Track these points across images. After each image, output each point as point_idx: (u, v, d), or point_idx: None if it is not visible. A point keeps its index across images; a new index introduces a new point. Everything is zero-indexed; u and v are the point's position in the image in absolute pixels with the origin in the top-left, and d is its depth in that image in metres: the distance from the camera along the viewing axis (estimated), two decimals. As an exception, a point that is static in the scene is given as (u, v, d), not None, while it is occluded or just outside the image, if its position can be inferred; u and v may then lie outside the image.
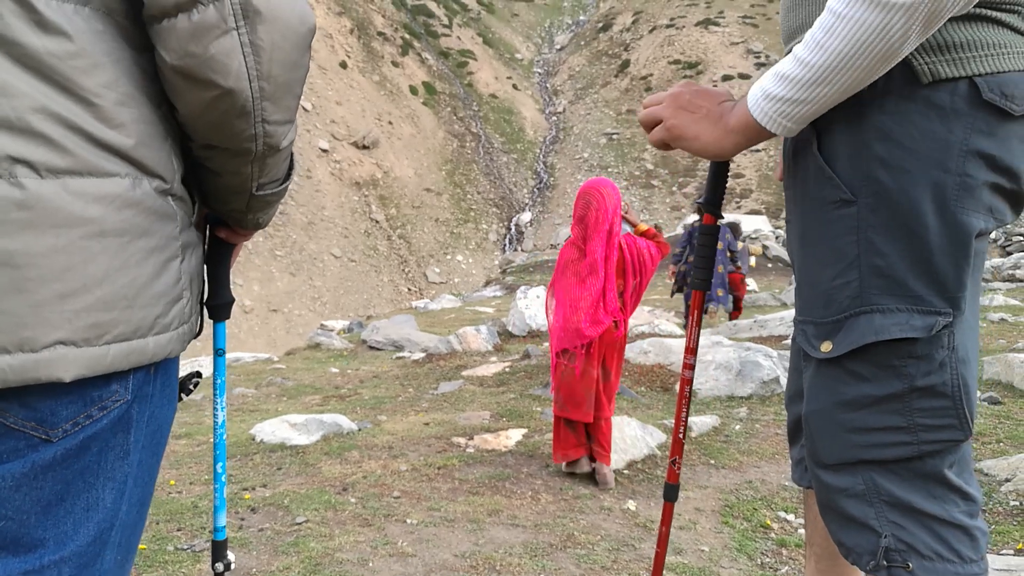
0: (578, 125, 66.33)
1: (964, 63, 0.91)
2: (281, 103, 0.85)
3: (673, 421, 4.05)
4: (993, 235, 17.57)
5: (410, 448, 3.59)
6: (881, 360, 0.95)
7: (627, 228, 3.29)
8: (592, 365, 3.08)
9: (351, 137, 53.05)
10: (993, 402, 3.96)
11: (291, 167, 1.01)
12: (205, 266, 1.06)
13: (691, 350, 1.37)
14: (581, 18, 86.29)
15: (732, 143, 1.02)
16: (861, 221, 0.95)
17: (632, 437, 3.32)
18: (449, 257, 50.06)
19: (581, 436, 3.10)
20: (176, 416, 3.85)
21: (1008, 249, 16.21)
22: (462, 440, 3.72)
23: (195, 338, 1.06)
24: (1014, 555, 2.25)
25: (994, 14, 0.93)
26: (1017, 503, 2.69)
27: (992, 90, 0.91)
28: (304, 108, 52.19)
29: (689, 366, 1.38)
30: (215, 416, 1.26)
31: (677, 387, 4.49)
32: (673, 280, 8.23)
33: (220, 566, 1.35)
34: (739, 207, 49.14)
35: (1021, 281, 11.65)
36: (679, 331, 6.42)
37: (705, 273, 1.34)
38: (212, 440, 3.84)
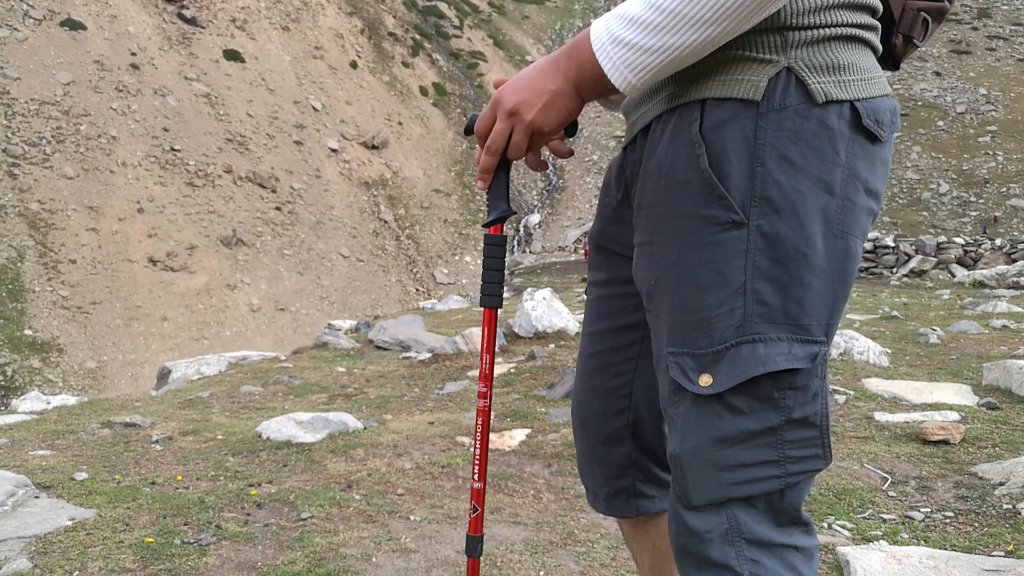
0: (587, 127, 66.31)
1: (848, 86, 0.91)
2: None
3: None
4: (998, 242, 17.54)
5: (415, 447, 3.65)
6: (761, 392, 0.91)
7: None
8: None
9: (360, 137, 53.25)
10: (991, 407, 3.99)
11: None
12: None
13: (486, 376, 1.18)
14: (592, 21, 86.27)
15: (575, 91, 0.95)
16: (751, 245, 0.89)
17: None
18: (457, 258, 50.21)
19: None
20: (182, 414, 3.93)
21: (1013, 256, 16.18)
22: (466, 440, 3.77)
23: None
24: (1004, 556, 2.29)
25: (865, 35, 0.95)
26: (1010, 506, 2.73)
27: (869, 116, 0.92)
28: (314, 108, 52.44)
29: (483, 395, 1.19)
30: None
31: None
32: None
33: None
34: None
35: (1026, 288, 11.67)
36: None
37: (497, 288, 1.15)
38: (218, 436, 3.91)
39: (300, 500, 2.89)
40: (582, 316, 8.91)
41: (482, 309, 1.20)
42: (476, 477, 1.21)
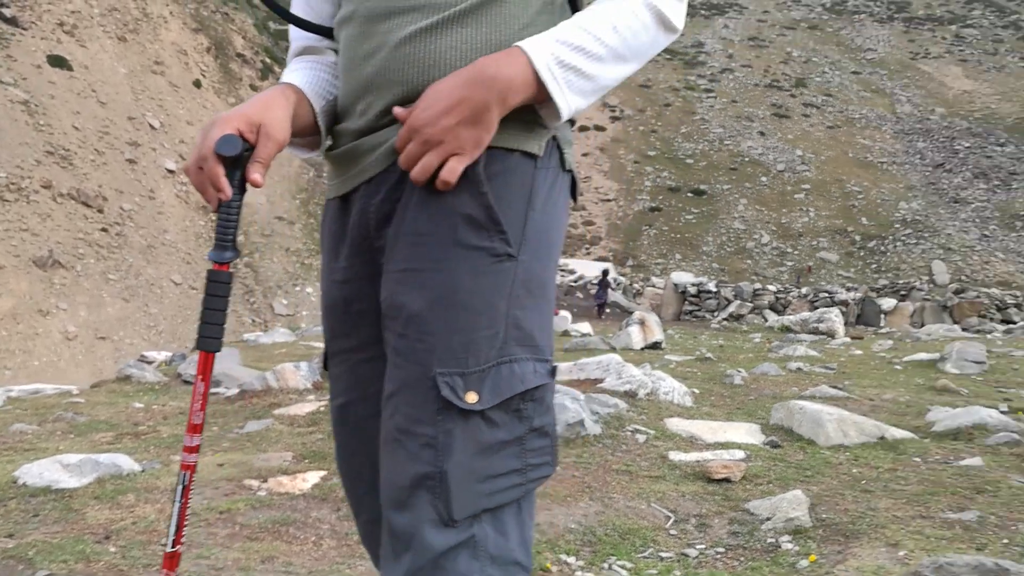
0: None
1: (571, 160, 1.13)
2: None
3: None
4: (804, 290, 19.23)
5: (195, 491, 3.37)
6: (511, 406, 1.01)
7: None
8: None
9: (201, 159, 50.68)
10: (774, 445, 4.25)
11: None
12: None
13: (196, 428, 1.10)
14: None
15: (500, 111, 0.99)
16: (516, 276, 1.02)
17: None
18: (298, 289, 48.58)
19: None
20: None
21: (815, 304, 17.77)
22: (255, 482, 3.55)
23: None
24: (755, 594, 2.40)
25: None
26: (773, 540, 2.88)
27: (577, 183, 1.15)
28: (151, 125, 49.47)
29: (191, 449, 1.10)
30: None
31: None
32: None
33: None
34: (588, 253, 51.04)
35: (823, 334, 12.81)
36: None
37: (219, 330, 1.08)
38: None
39: (41, 555, 2.58)
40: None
41: (200, 352, 1.09)
42: (172, 542, 1.10)
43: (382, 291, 1.08)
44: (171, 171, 48.31)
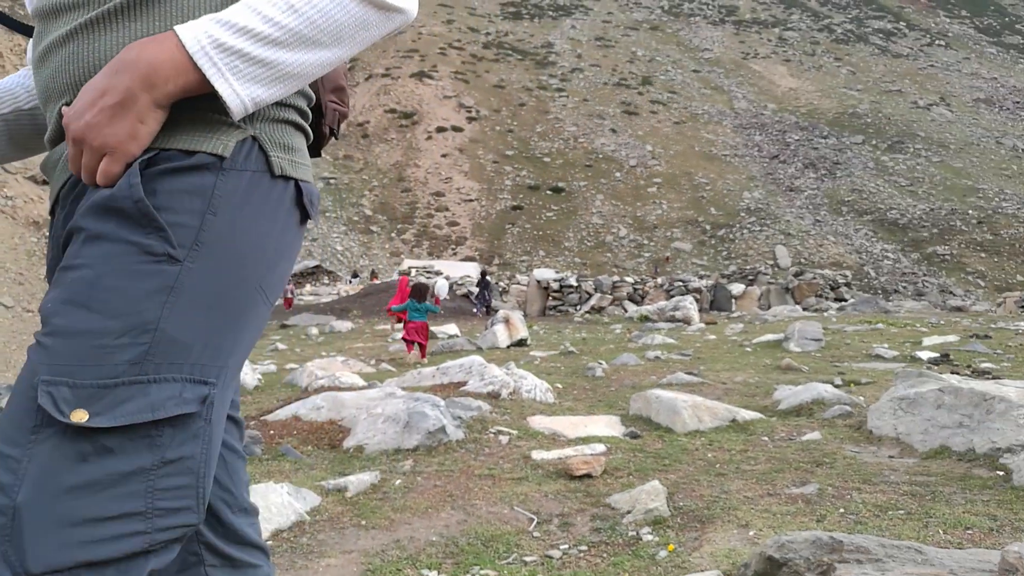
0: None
1: (296, 167, 1.01)
2: None
3: (334, 481, 3.80)
4: (660, 280, 20.11)
5: None
6: (138, 431, 0.84)
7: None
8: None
9: (28, 171, 46.64)
10: (633, 436, 4.33)
11: None
12: None
13: None
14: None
15: (157, 93, 0.87)
16: (179, 283, 0.88)
17: (278, 504, 3.10)
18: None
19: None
20: None
21: (671, 293, 18.61)
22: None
23: None
24: (616, 591, 2.40)
25: (304, 123, 1.07)
26: (634, 533, 2.91)
27: (307, 196, 1.03)
28: (-35, 136, 44.96)
29: None
30: None
31: (345, 443, 4.36)
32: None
33: None
34: (455, 254, 51.16)
35: (679, 321, 13.39)
36: (361, 382, 6.33)
37: None
38: None
39: None
40: (260, 368, 8.26)
41: None
42: None
43: None
44: (-7, 185, 44.15)
